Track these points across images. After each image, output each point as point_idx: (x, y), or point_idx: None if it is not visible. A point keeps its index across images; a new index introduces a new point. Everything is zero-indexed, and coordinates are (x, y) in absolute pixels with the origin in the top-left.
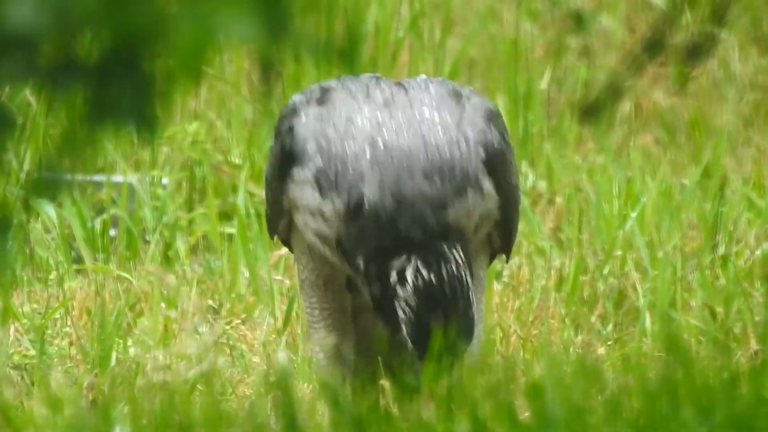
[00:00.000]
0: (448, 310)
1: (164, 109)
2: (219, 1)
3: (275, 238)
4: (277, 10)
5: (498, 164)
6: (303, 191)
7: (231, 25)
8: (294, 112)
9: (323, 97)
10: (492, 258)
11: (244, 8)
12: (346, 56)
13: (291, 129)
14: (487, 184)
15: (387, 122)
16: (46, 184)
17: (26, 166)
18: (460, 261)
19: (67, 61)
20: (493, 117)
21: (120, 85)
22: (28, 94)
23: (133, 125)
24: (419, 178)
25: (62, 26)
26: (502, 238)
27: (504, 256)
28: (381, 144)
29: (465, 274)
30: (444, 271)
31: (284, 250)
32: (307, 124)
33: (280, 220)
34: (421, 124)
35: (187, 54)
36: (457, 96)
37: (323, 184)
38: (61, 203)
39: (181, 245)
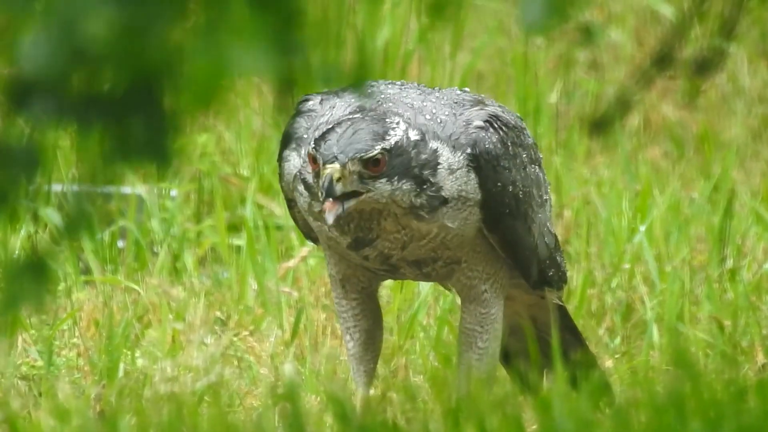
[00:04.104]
0: None
1: (178, 140)
2: (232, 34)
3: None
4: (290, 40)
5: (487, 164)
6: (289, 163)
7: (245, 55)
8: (304, 99)
9: (341, 90)
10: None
11: (257, 39)
12: (357, 83)
13: (296, 113)
14: (470, 176)
15: (395, 91)
16: (70, 220)
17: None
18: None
19: (86, 99)
20: (497, 121)
21: (137, 120)
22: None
23: (149, 158)
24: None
25: (78, 64)
26: (501, 247)
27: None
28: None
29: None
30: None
31: (292, 262)
32: (309, 106)
33: (293, 212)
34: (428, 96)
35: (202, 85)
36: (475, 102)
37: (301, 144)
38: (80, 233)
39: (189, 257)
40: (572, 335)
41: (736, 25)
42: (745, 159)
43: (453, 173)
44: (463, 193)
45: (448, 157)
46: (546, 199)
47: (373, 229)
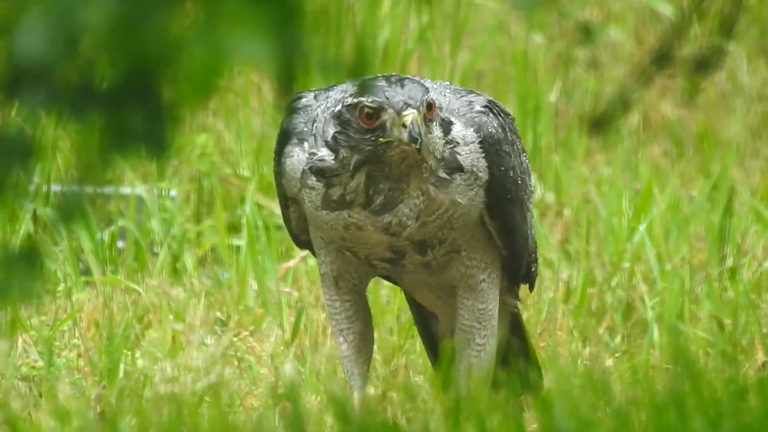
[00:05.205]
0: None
1: (175, 132)
2: (231, 24)
3: (297, 248)
4: (290, 30)
5: (491, 148)
6: (292, 159)
7: (244, 47)
8: (297, 96)
9: (334, 86)
10: (514, 283)
11: (257, 30)
12: (356, 73)
13: (291, 111)
14: (474, 143)
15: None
16: (62, 208)
17: (35, 179)
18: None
19: (83, 88)
20: (496, 107)
21: (134, 110)
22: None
23: (146, 149)
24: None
25: (75, 54)
26: (501, 235)
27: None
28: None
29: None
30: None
31: (292, 262)
32: (304, 102)
33: (288, 212)
34: (425, 81)
35: (200, 77)
36: (468, 91)
37: (304, 138)
38: (73, 222)
39: (189, 257)
40: (521, 341)
41: (735, 23)
42: (744, 157)
43: (467, 145)
44: (474, 169)
45: (460, 129)
46: (532, 190)
47: (401, 192)
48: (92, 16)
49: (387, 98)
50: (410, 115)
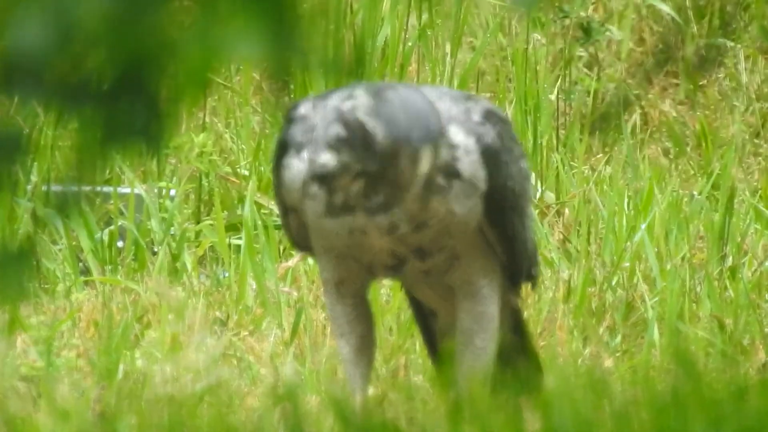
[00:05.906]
0: None
1: (170, 127)
2: (226, 20)
3: (298, 252)
4: (285, 27)
5: (489, 159)
6: (291, 170)
7: (238, 44)
8: (295, 106)
9: (326, 93)
10: (515, 284)
11: (251, 26)
12: (354, 71)
13: (288, 121)
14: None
15: (387, 92)
16: (57, 201)
17: (33, 178)
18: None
19: (76, 82)
20: (493, 116)
21: (128, 105)
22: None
23: (140, 144)
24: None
25: (69, 47)
26: (500, 243)
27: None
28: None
29: None
30: None
31: (291, 261)
32: (302, 113)
33: (288, 221)
34: (423, 92)
35: (194, 73)
36: (466, 97)
37: (302, 148)
38: (69, 214)
39: (188, 257)
40: (522, 340)
41: (735, 22)
42: (744, 156)
43: (468, 155)
44: (474, 179)
45: (462, 139)
46: (532, 195)
47: (398, 194)
48: (87, 11)
49: (406, 135)
50: (426, 157)
